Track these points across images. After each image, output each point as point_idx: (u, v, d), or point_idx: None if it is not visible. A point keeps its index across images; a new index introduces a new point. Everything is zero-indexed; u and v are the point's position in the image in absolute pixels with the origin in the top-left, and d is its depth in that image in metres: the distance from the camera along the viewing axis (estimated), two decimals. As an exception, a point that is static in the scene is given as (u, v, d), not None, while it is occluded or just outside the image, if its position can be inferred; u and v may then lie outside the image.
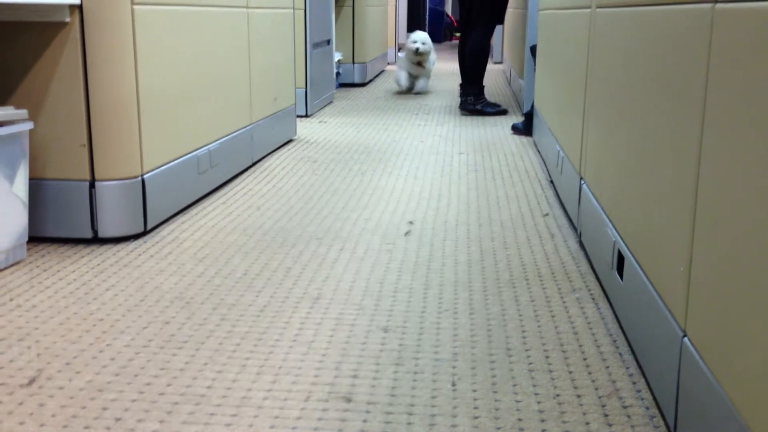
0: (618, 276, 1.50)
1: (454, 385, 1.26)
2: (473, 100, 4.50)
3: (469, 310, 1.58)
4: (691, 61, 1.07)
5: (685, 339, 1.05)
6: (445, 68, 7.87)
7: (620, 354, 1.38)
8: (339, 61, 5.72)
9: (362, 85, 6.04)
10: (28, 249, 1.89)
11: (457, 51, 5.09)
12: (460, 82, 4.62)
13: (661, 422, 1.15)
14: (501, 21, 4.57)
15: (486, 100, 4.55)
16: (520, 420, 1.15)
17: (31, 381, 1.26)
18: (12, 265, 1.80)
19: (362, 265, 1.85)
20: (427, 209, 2.38)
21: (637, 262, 1.35)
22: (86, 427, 1.12)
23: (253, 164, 3.00)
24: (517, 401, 1.21)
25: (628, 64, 1.51)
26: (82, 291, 1.66)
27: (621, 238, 1.49)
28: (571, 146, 2.26)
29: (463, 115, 4.53)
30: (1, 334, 1.44)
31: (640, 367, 1.31)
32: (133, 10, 1.92)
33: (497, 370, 1.32)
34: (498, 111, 4.50)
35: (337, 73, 5.68)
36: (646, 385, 1.26)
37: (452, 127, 4.07)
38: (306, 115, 4.37)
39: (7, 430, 1.11)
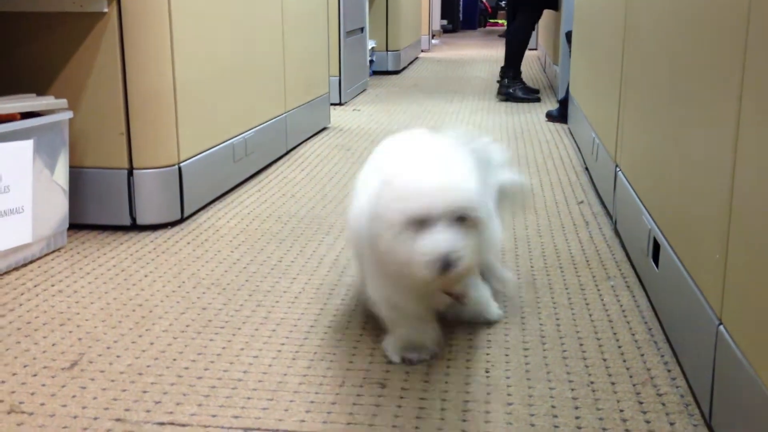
0: (653, 264, 1.49)
1: (487, 372, 1.27)
2: (508, 83, 4.55)
3: (502, 297, 1.58)
4: (728, 46, 1.06)
5: (721, 327, 1.04)
6: (481, 54, 7.82)
7: (655, 342, 1.37)
8: (372, 48, 5.71)
9: (396, 72, 6.03)
10: (69, 236, 1.92)
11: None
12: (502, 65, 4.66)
13: (696, 410, 1.14)
14: (557, 7, 4.63)
15: (522, 84, 4.55)
16: (553, 407, 1.16)
17: (73, 364, 1.29)
18: (53, 252, 1.84)
19: (396, 252, 1.86)
20: (460, 197, 2.37)
21: (672, 249, 1.34)
22: (126, 410, 1.15)
23: (288, 152, 3.02)
24: (551, 389, 1.21)
25: (664, 50, 1.49)
26: (121, 277, 1.69)
27: (657, 225, 1.48)
28: (606, 133, 2.24)
29: (498, 101, 4.51)
30: (44, 319, 1.47)
31: (675, 355, 1.30)
32: (169, 0, 1.94)
33: (531, 357, 1.32)
34: (531, 98, 4.49)
35: (371, 61, 5.68)
36: (681, 373, 1.25)
37: (486, 115, 4.05)
38: (340, 103, 4.37)
39: (50, 411, 1.15)
